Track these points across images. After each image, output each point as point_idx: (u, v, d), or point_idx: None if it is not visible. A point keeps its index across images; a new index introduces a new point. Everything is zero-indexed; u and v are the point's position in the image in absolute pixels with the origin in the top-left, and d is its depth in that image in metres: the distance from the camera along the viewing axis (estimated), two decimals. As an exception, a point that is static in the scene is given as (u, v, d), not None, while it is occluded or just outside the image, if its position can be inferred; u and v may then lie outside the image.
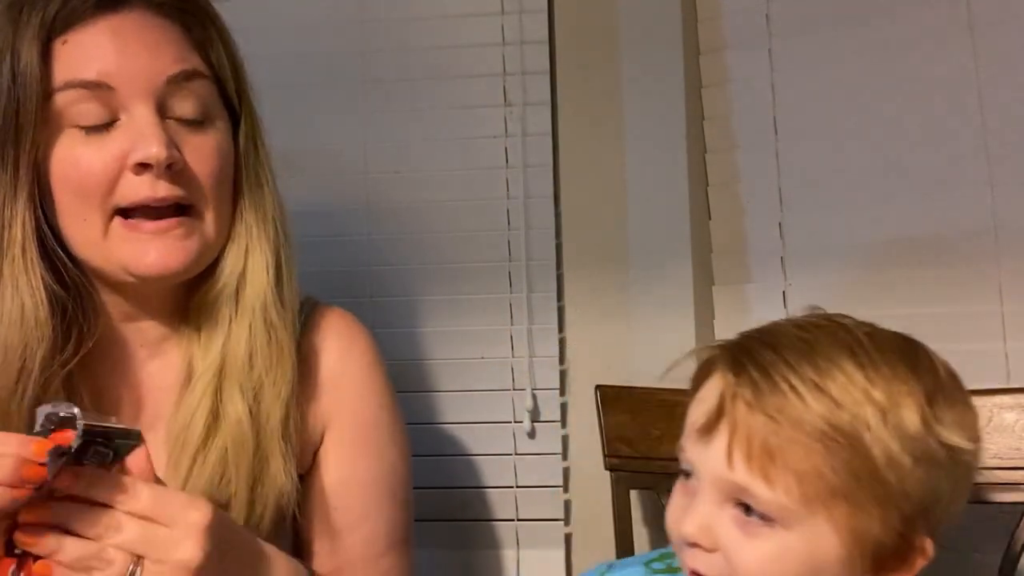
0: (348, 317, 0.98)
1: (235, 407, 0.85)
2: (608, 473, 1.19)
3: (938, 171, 1.16)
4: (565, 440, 1.35)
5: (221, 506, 0.83)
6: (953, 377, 0.72)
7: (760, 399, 0.67)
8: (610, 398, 1.20)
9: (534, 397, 1.33)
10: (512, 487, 1.33)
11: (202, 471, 0.84)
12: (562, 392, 1.35)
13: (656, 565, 0.83)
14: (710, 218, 1.35)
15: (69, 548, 0.69)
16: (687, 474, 0.72)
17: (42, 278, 0.80)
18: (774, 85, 1.29)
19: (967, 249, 1.13)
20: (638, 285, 1.32)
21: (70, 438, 0.67)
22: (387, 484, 0.96)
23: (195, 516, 0.71)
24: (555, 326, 1.35)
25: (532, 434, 1.33)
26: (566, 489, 1.34)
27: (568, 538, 1.34)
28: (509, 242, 1.35)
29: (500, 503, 1.34)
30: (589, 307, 1.35)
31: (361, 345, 0.97)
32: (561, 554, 1.33)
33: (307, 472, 0.94)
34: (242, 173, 0.89)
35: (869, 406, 0.66)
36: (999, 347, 1.09)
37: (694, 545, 0.69)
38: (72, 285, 0.83)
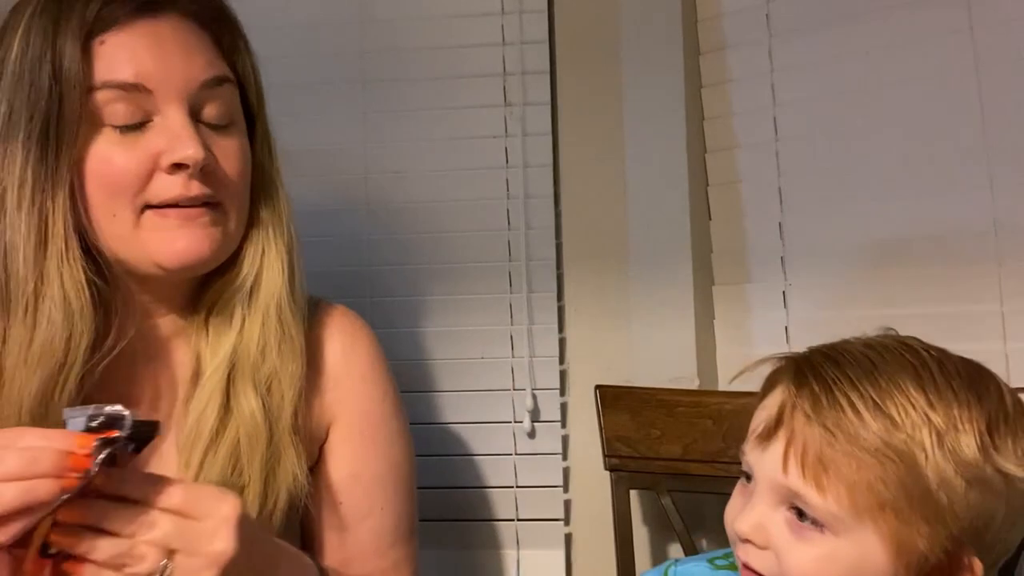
0: (351, 314, 1.00)
1: (248, 401, 0.87)
2: (608, 473, 1.19)
3: (938, 171, 1.15)
4: (565, 440, 1.35)
5: None
6: (1021, 407, 0.73)
7: (819, 412, 0.70)
8: (610, 398, 1.20)
9: (534, 397, 1.33)
10: (512, 487, 1.33)
11: (214, 464, 0.86)
12: (562, 392, 1.35)
13: (720, 562, 0.85)
14: (710, 218, 1.35)
15: (103, 547, 0.70)
16: (748, 477, 0.76)
17: (84, 271, 0.82)
18: (774, 85, 1.29)
19: (967, 249, 1.13)
20: (638, 285, 1.32)
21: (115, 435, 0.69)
22: (393, 478, 0.97)
23: (226, 509, 0.73)
24: (555, 326, 1.35)
25: (532, 434, 1.33)
26: (566, 489, 1.34)
27: (568, 538, 1.34)
28: (509, 242, 1.35)
29: (500, 503, 1.34)
30: (589, 307, 1.35)
31: (364, 342, 0.99)
32: (561, 554, 1.33)
33: (313, 467, 0.95)
34: (258, 175, 0.91)
35: (926, 428, 0.68)
36: (999, 347, 1.09)
37: (747, 541, 0.73)
38: (113, 277, 0.85)
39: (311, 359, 0.93)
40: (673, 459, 1.16)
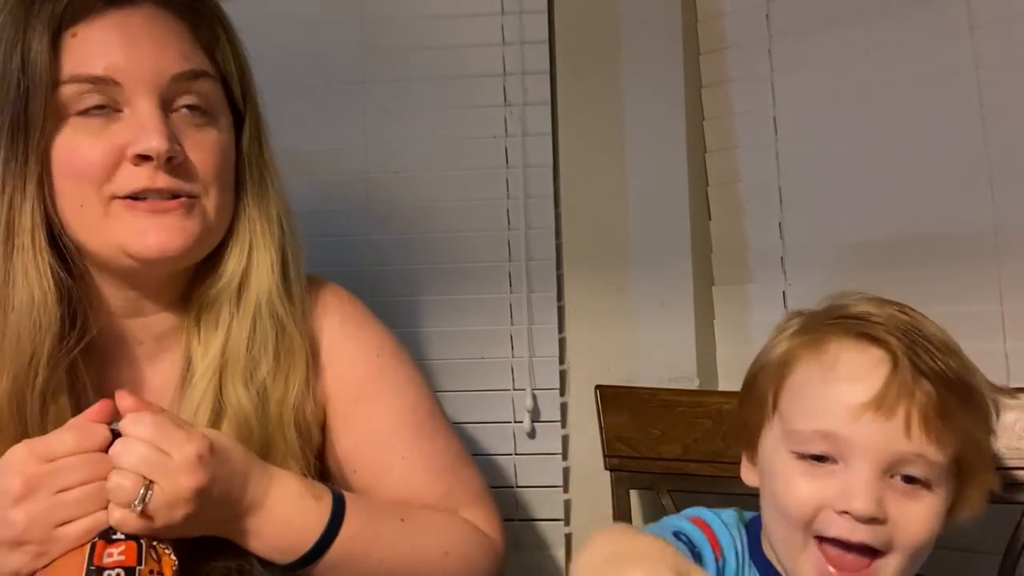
0: (337, 290, 1.00)
1: (239, 399, 0.87)
2: (608, 473, 1.19)
3: (938, 171, 1.15)
4: (565, 440, 1.35)
5: None
6: None
7: (924, 364, 0.72)
8: (610, 398, 1.20)
9: (534, 397, 1.33)
10: (512, 487, 1.33)
11: None
12: (562, 392, 1.35)
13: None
14: (710, 218, 1.35)
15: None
16: (817, 458, 0.75)
17: (50, 265, 0.82)
18: (774, 85, 1.29)
19: (967, 249, 1.13)
20: (638, 285, 1.32)
21: None
22: (407, 424, 0.96)
23: (190, 448, 0.75)
24: (555, 326, 1.35)
25: (532, 434, 1.33)
26: (566, 489, 1.34)
27: (568, 538, 1.34)
28: (509, 242, 1.35)
29: (500, 503, 1.33)
30: (589, 307, 1.35)
31: (352, 313, 0.99)
32: (561, 554, 1.33)
33: (321, 448, 0.95)
34: (245, 172, 0.90)
35: (978, 373, 0.76)
36: (999, 347, 1.09)
37: (871, 521, 0.72)
38: (78, 273, 0.84)
39: (309, 342, 0.93)
40: (673, 459, 1.16)
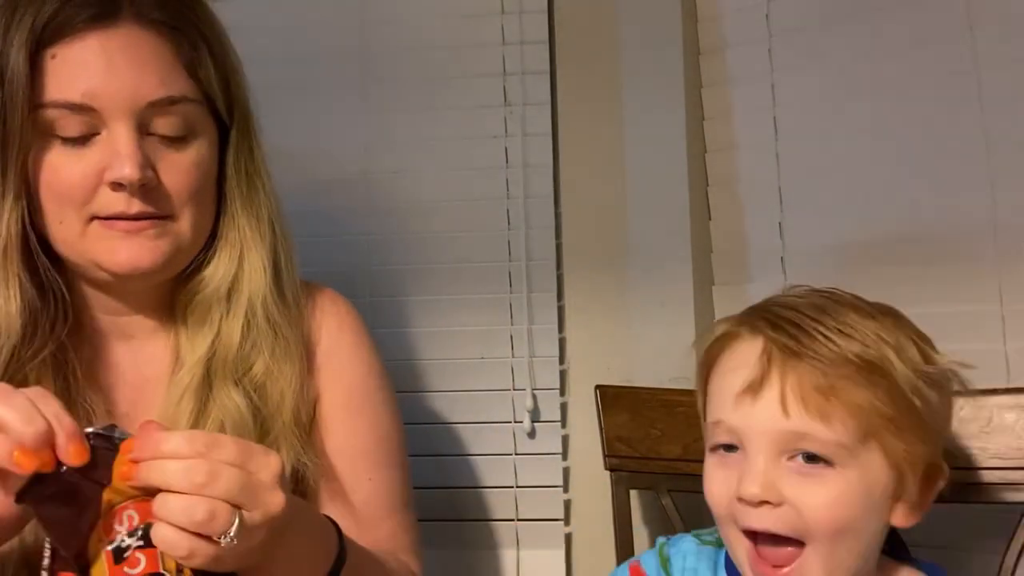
0: (335, 296, 1.01)
1: (231, 398, 0.87)
2: (608, 473, 1.19)
3: (938, 170, 1.15)
4: (565, 440, 1.35)
5: None
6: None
7: (801, 347, 0.73)
8: (610, 398, 1.20)
9: (534, 397, 1.33)
10: (512, 487, 1.33)
11: None
12: (562, 392, 1.35)
13: (706, 538, 0.87)
14: (710, 218, 1.35)
15: (174, 505, 0.66)
16: (727, 447, 0.76)
17: (19, 276, 0.83)
18: (774, 85, 1.29)
19: (967, 249, 1.13)
20: (638, 285, 1.32)
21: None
22: (380, 449, 0.97)
23: (274, 462, 0.70)
24: (555, 326, 1.35)
25: (532, 434, 1.33)
26: (566, 489, 1.34)
27: (568, 538, 1.34)
28: (509, 242, 1.35)
29: (500, 503, 1.34)
30: (589, 307, 1.35)
31: (350, 321, 1.00)
32: (561, 554, 1.33)
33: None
34: (233, 180, 0.91)
35: (884, 345, 0.74)
36: (999, 347, 1.09)
37: (761, 504, 0.73)
38: (48, 284, 0.86)
39: (305, 343, 0.94)
40: (673, 459, 1.16)
